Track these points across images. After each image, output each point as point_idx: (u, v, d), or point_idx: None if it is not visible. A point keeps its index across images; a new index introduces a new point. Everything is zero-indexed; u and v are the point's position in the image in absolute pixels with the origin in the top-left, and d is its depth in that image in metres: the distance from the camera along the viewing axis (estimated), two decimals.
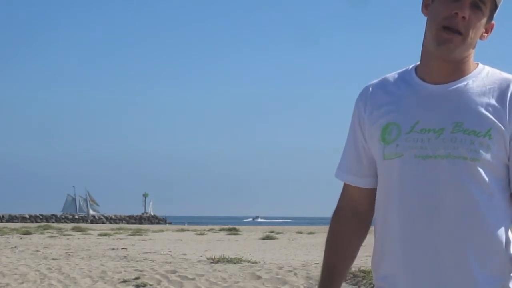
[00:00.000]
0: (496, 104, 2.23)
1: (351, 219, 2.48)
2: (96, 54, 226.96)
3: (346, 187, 2.49)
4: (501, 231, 2.24)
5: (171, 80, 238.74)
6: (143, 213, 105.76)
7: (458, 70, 2.29)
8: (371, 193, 2.42)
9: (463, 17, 2.23)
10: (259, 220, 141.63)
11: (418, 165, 2.25)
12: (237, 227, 44.32)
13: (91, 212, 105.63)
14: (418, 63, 2.38)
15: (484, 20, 2.28)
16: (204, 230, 39.74)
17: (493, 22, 2.33)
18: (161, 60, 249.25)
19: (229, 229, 39.86)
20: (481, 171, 2.22)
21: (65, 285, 11.65)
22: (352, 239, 2.49)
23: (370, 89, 2.42)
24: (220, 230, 39.88)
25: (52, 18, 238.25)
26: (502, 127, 2.22)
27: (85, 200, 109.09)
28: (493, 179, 2.23)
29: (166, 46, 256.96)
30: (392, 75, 2.42)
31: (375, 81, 2.45)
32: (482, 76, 2.30)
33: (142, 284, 11.58)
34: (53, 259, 16.19)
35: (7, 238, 27.60)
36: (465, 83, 2.28)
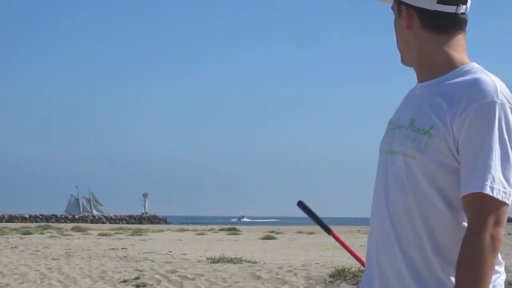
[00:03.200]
0: (445, 104, 2.17)
1: None
2: (96, 54, 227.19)
3: None
4: (425, 234, 2.17)
5: (171, 81, 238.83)
6: (143, 213, 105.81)
7: (433, 70, 2.28)
8: None
9: None
10: (245, 220, 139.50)
11: (386, 160, 2.30)
12: (237, 227, 44.32)
13: (95, 212, 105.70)
14: None
15: (400, 18, 2.33)
16: (204, 230, 39.74)
17: (402, 6, 2.31)
18: (161, 60, 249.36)
19: (229, 229, 39.85)
20: (418, 169, 2.18)
21: (65, 285, 11.66)
22: None
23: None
24: (220, 230, 39.87)
25: (52, 18, 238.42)
26: (444, 128, 2.14)
27: (88, 200, 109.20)
28: (430, 179, 2.17)
29: (166, 46, 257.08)
30: None
31: None
32: (454, 76, 2.23)
33: (142, 284, 11.58)
34: (53, 259, 16.19)
35: (7, 238, 27.59)
36: (434, 82, 2.26)
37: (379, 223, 2.28)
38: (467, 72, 2.22)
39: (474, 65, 2.25)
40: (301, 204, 2.54)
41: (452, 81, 2.21)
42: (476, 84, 2.15)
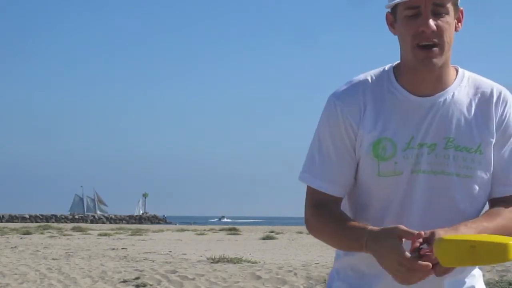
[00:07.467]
0: (483, 115, 2.23)
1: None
2: (97, 54, 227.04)
3: (316, 193, 2.31)
4: None
5: (171, 82, 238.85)
6: (143, 213, 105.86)
7: (441, 78, 2.23)
8: (340, 202, 2.31)
9: (432, 31, 2.15)
10: (225, 220, 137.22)
11: (416, 180, 2.21)
12: (237, 227, 44.33)
13: (99, 212, 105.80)
14: (394, 64, 2.30)
15: (452, 16, 2.20)
16: (204, 230, 39.75)
17: (461, 8, 2.23)
18: (161, 61, 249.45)
19: (229, 229, 39.87)
20: (473, 187, 2.22)
21: (65, 285, 11.66)
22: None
23: (360, 95, 2.26)
24: (220, 230, 39.88)
25: (53, 18, 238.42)
26: (491, 138, 2.22)
27: (93, 200, 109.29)
28: (485, 193, 2.25)
29: (167, 46, 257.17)
30: (367, 79, 2.28)
31: (350, 85, 2.28)
32: (464, 85, 2.26)
33: (142, 284, 11.58)
34: (53, 259, 16.19)
35: (7, 238, 27.60)
36: (451, 94, 2.23)
37: None
38: (472, 78, 2.27)
39: (463, 70, 2.30)
40: None
41: (470, 89, 2.26)
42: (502, 91, 2.27)
